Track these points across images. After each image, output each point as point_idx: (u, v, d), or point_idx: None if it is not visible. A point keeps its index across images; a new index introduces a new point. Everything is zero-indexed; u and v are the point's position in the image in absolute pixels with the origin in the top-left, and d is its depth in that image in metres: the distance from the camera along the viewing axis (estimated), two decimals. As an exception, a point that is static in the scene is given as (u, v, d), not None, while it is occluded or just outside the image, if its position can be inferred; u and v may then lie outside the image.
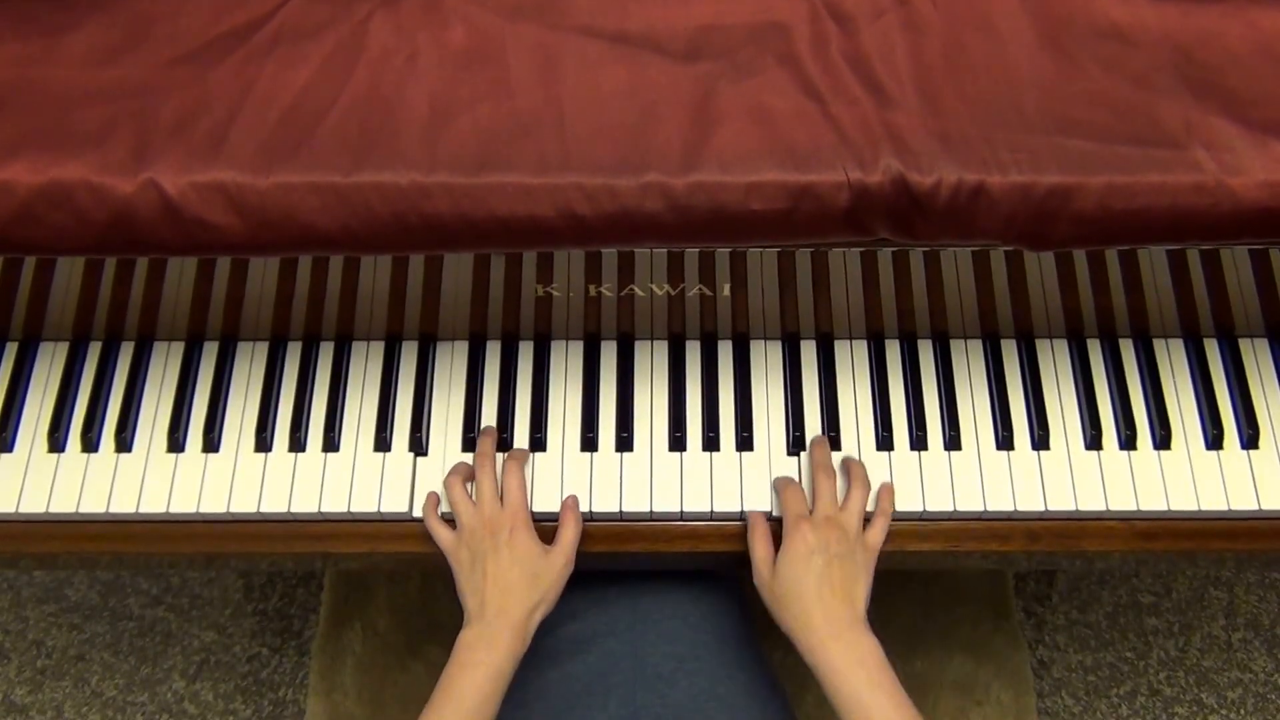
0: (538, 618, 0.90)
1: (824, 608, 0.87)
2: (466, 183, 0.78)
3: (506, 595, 0.89)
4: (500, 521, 0.91)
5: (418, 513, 0.96)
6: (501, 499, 0.93)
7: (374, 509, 0.96)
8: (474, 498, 0.94)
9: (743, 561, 1.04)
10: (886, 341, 1.02)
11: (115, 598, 1.67)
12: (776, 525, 0.94)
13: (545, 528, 0.95)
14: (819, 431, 0.98)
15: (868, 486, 0.95)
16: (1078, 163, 0.79)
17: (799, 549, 0.89)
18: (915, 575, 1.28)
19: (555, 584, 0.92)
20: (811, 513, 0.92)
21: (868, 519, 0.94)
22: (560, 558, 0.92)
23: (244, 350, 1.03)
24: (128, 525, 0.97)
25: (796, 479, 0.96)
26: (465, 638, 0.88)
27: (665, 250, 0.94)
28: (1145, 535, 0.96)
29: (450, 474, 0.95)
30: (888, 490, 0.96)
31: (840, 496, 0.94)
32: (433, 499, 0.96)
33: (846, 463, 0.96)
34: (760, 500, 0.96)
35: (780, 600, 0.89)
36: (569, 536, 0.93)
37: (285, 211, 0.78)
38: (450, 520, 0.95)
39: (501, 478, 0.95)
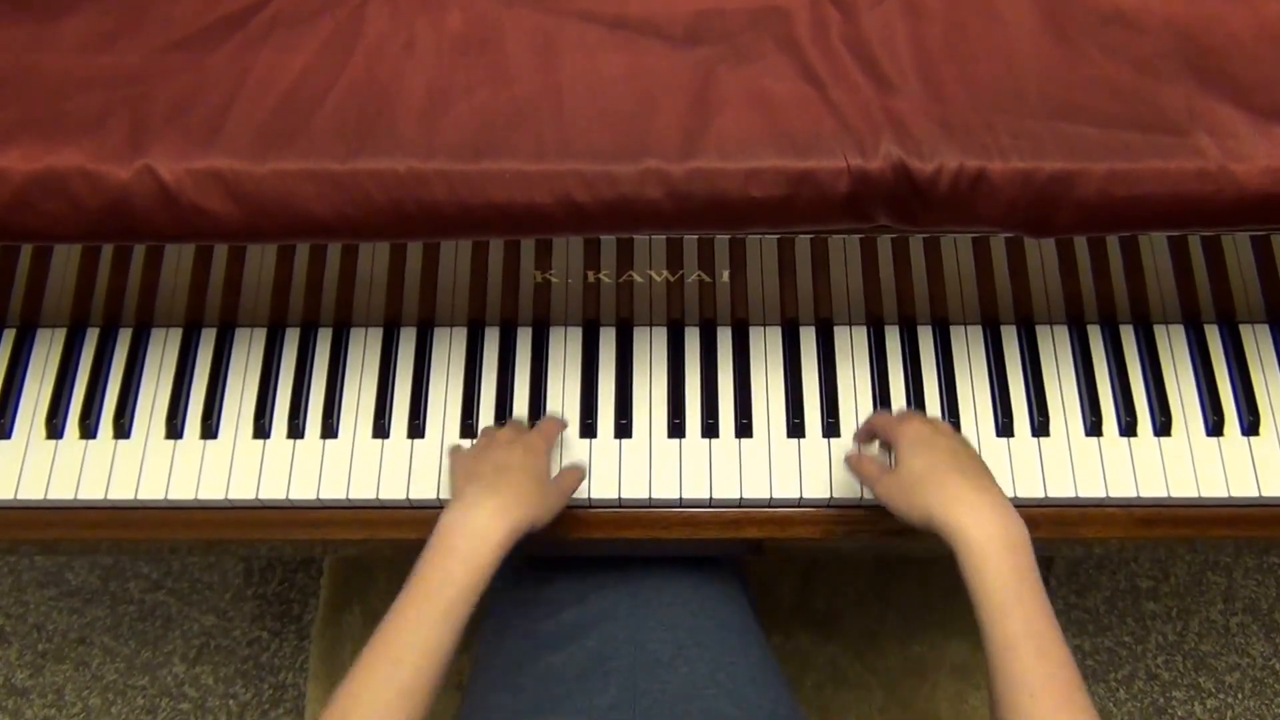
0: (528, 517, 0.82)
1: (962, 471, 0.80)
2: (464, 170, 0.78)
3: (502, 478, 0.83)
4: (522, 429, 0.91)
5: (416, 498, 0.96)
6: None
7: (372, 496, 0.96)
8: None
9: (740, 547, 1.04)
10: (886, 328, 1.02)
11: (116, 582, 1.67)
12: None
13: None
14: (818, 420, 0.98)
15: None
16: (1080, 149, 0.78)
17: (918, 434, 0.84)
18: (914, 560, 1.28)
19: (551, 501, 0.87)
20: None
21: None
22: (558, 485, 0.90)
23: (242, 336, 1.02)
24: (126, 511, 0.97)
25: (796, 463, 0.96)
26: (443, 521, 0.81)
27: (664, 237, 0.94)
28: (1145, 522, 0.96)
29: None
30: None
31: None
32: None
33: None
34: (759, 487, 0.96)
35: (910, 485, 0.82)
36: (569, 480, 0.92)
37: (282, 199, 0.78)
38: None
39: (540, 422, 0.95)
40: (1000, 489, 0.80)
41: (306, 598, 1.65)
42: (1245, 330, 1.01)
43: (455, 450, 0.94)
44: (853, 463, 0.92)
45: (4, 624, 1.65)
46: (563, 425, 0.97)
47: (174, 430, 0.98)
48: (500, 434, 0.92)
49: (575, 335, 1.02)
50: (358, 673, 0.75)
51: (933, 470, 0.81)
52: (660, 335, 1.02)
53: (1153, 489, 0.95)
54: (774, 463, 0.96)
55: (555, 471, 0.93)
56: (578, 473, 0.94)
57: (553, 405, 0.99)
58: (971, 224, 0.81)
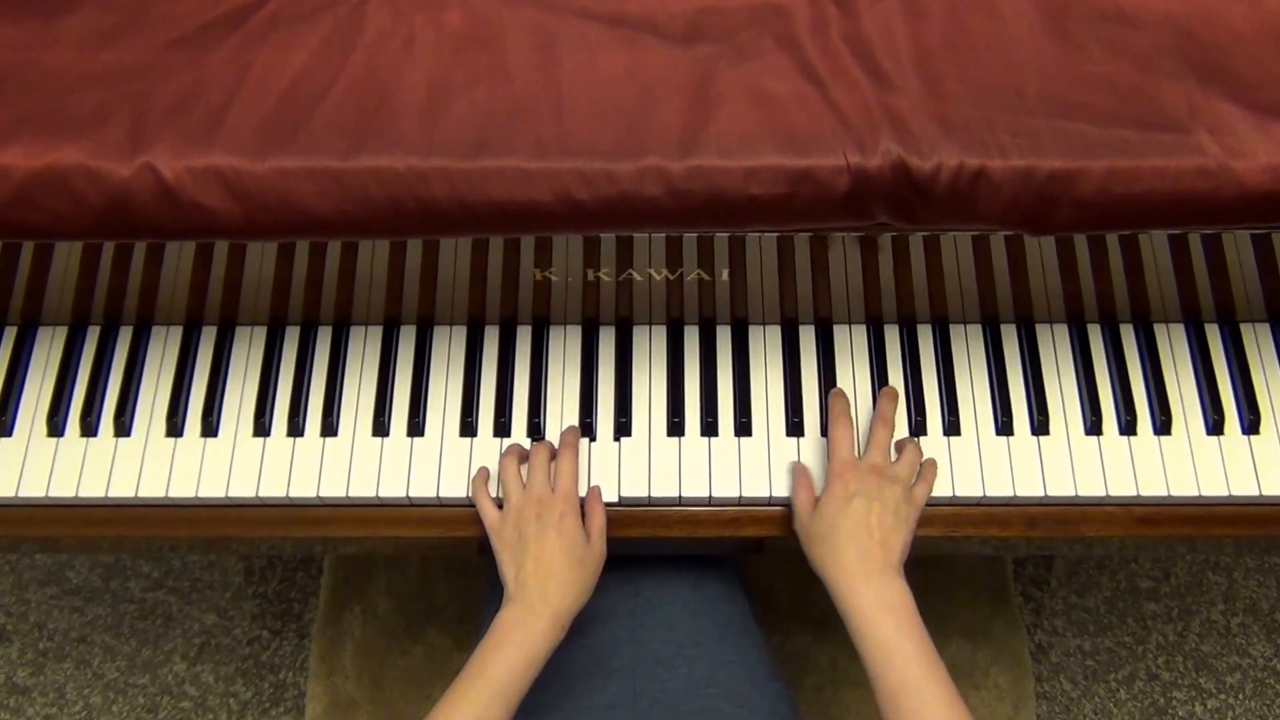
0: (577, 607, 0.89)
1: (858, 549, 0.86)
2: (464, 167, 0.78)
3: (549, 580, 0.88)
4: (550, 504, 0.91)
5: (415, 495, 0.96)
6: (553, 484, 0.93)
7: (372, 494, 0.96)
8: (525, 479, 0.94)
9: (740, 546, 1.04)
10: (885, 327, 1.02)
11: (116, 580, 1.67)
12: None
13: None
14: (818, 418, 0.98)
15: (920, 449, 0.95)
16: (1079, 146, 0.78)
17: (840, 491, 0.89)
18: (913, 559, 1.28)
19: (594, 573, 0.91)
20: (861, 459, 0.92)
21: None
22: (599, 545, 0.92)
23: (242, 334, 1.02)
24: (127, 509, 0.97)
25: (796, 461, 0.96)
26: (503, 617, 0.87)
27: (664, 235, 0.94)
28: (1145, 521, 0.96)
29: (505, 454, 0.95)
30: (931, 464, 0.95)
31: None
32: (483, 474, 0.96)
33: (901, 441, 0.97)
34: (759, 485, 0.96)
35: (815, 539, 0.89)
36: (598, 524, 0.93)
37: (282, 196, 0.78)
38: (498, 501, 0.94)
39: (555, 463, 0.95)
40: (889, 552, 0.87)
41: (307, 596, 1.65)
42: (1245, 329, 1.01)
43: (499, 510, 0.93)
44: (794, 479, 0.94)
45: (5, 622, 1.65)
46: (579, 448, 0.96)
47: (174, 428, 0.98)
48: (527, 510, 0.91)
49: (575, 334, 1.02)
50: None
51: (834, 535, 0.88)
52: (660, 334, 1.02)
53: (1153, 488, 0.95)
54: (773, 461, 0.97)
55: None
56: (600, 512, 0.94)
57: (552, 404, 0.99)
58: (971, 222, 0.81)
